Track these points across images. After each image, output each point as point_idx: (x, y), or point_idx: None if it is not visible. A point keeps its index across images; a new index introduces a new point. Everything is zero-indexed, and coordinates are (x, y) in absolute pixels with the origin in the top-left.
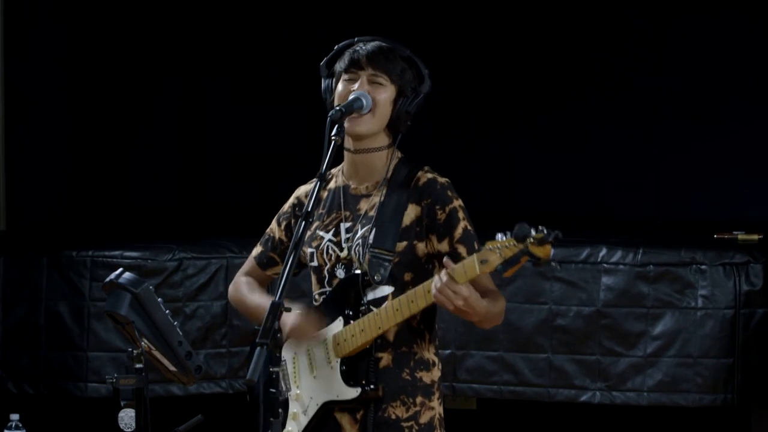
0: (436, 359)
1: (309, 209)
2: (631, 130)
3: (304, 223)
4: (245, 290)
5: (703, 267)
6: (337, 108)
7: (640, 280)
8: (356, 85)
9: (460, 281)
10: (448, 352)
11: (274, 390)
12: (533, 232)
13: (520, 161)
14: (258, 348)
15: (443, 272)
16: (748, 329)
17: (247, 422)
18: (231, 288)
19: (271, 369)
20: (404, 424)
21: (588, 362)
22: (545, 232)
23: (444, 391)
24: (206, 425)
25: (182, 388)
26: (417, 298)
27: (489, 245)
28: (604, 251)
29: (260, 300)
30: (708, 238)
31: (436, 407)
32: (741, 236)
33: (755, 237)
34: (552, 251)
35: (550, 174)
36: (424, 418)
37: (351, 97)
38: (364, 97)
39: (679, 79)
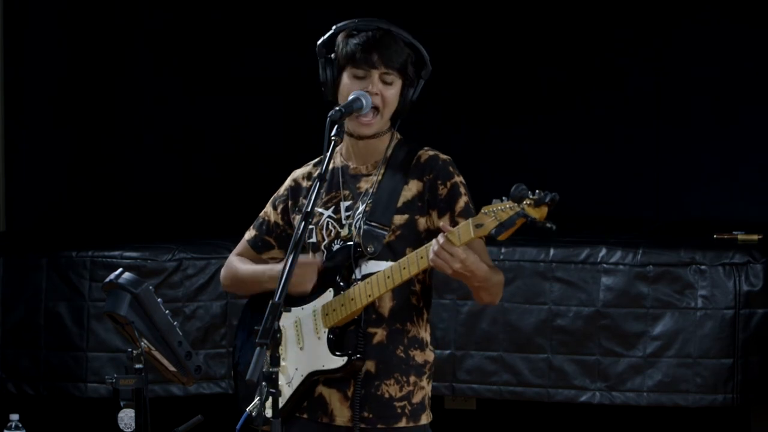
0: (429, 339)
1: (309, 209)
2: (631, 130)
3: (303, 223)
4: (239, 265)
5: (703, 267)
6: (337, 109)
7: (639, 281)
8: (369, 86)
9: (457, 244)
10: (448, 352)
11: (274, 390)
12: (530, 194)
13: (519, 161)
14: (257, 348)
15: (440, 235)
16: (748, 329)
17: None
18: (223, 270)
19: (270, 370)
20: (397, 404)
21: (587, 362)
22: (543, 193)
23: (443, 391)
24: (206, 425)
25: (182, 388)
26: (410, 264)
27: (484, 209)
28: (603, 251)
29: (254, 268)
30: (708, 238)
31: (426, 387)
32: (741, 236)
33: (755, 237)
34: (547, 213)
35: (549, 174)
36: (416, 398)
37: (350, 97)
38: (363, 98)
39: (679, 80)
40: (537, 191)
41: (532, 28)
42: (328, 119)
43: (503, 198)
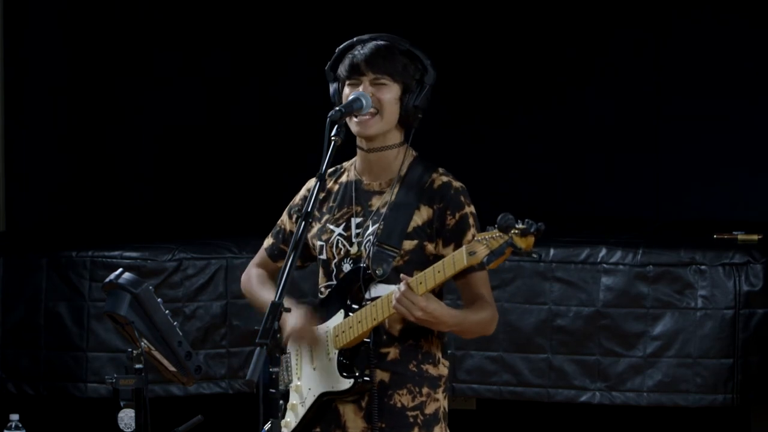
0: (441, 355)
1: (309, 209)
2: (631, 130)
3: (303, 223)
4: (255, 283)
5: (703, 267)
6: (337, 109)
7: (639, 281)
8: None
9: (418, 293)
10: (448, 352)
11: (274, 390)
12: (516, 223)
13: (519, 161)
14: (257, 348)
15: (402, 283)
16: (748, 329)
17: (251, 421)
18: (243, 278)
19: (271, 369)
20: (409, 413)
21: (587, 362)
22: (528, 223)
23: None
24: (206, 425)
25: (182, 388)
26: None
27: (478, 237)
28: (603, 251)
29: (268, 296)
30: (708, 239)
31: (441, 400)
32: (741, 236)
33: (755, 237)
34: (534, 242)
35: (549, 174)
36: (429, 409)
37: (350, 97)
38: (363, 98)
39: (679, 79)
40: (526, 220)
41: (532, 28)
42: (328, 119)
43: (495, 226)
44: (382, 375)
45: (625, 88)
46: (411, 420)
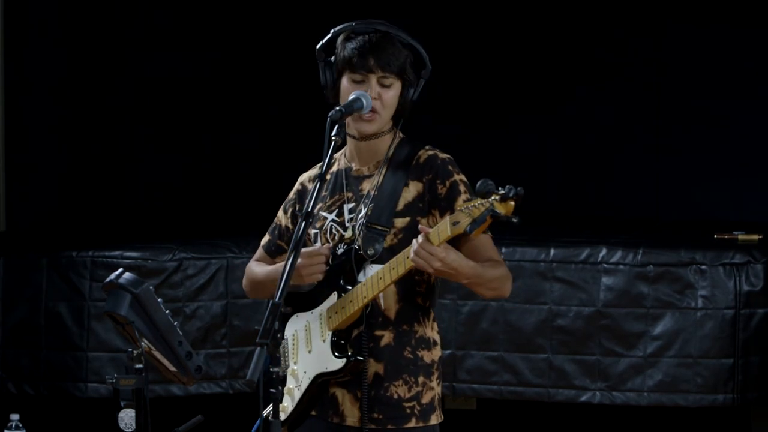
0: (437, 338)
1: (309, 209)
2: (631, 129)
3: (304, 223)
4: (256, 269)
5: (703, 267)
6: (337, 109)
7: (640, 281)
8: (367, 89)
9: (435, 243)
10: (448, 352)
11: (274, 390)
12: (497, 189)
13: (519, 161)
14: (258, 348)
15: (420, 235)
16: (748, 329)
17: (251, 421)
18: (244, 278)
19: (271, 369)
20: (406, 404)
21: (588, 362)
22: (508, 188)
23: (444, 391)
24: (206, 425)
25: (182, 388)
26: (398, 265)
27: (461, 207)
28: (604, 251)
29: (270, 268)
30: (708, 238)
31: (436, 387)
32: (741, 236)
33: (755, 237)
34: (514, 208)
35: (550, 174)
36: (425, 399)
37: (351, 97)
38: (364, 98)
39: (679, 80)
40: (507, 186)
41: (532, 27)
42: (328, 119)
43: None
44: (376, 366)
45: (625, 89)
46: (408, 411)
